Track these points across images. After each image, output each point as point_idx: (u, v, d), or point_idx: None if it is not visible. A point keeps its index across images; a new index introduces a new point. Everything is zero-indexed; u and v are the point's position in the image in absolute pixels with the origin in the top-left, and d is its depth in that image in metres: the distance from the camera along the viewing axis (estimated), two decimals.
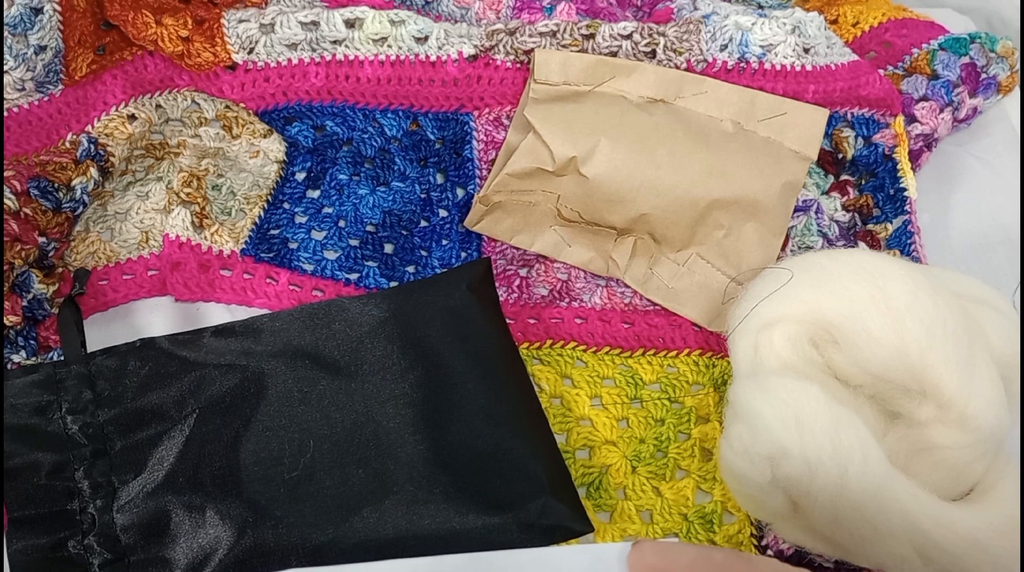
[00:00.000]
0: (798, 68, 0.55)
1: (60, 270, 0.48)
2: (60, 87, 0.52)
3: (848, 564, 0.45)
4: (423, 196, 0.54)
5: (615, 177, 0.51)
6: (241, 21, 0.52)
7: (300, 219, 0.53)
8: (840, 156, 0.57)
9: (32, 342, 0.46)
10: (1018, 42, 0.64)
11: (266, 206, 0.53)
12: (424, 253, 0.53)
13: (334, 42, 0.53)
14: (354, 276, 0.51)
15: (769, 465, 0.41)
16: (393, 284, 0.51)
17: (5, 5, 0.49)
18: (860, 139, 0.58)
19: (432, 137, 0.56)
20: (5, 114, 0.51)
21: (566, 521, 0.43)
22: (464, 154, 0.55)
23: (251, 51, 0.53)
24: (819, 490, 0.39)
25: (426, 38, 0.54)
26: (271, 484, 0.42)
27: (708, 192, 0.51)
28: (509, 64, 0.55)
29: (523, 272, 0.53)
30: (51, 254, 0.48)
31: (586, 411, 0.49)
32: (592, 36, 0.54)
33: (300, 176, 0.54)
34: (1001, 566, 0.40)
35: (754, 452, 0.41)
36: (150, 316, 0.50)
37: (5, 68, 0.50)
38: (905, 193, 0.57)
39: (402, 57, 0.54)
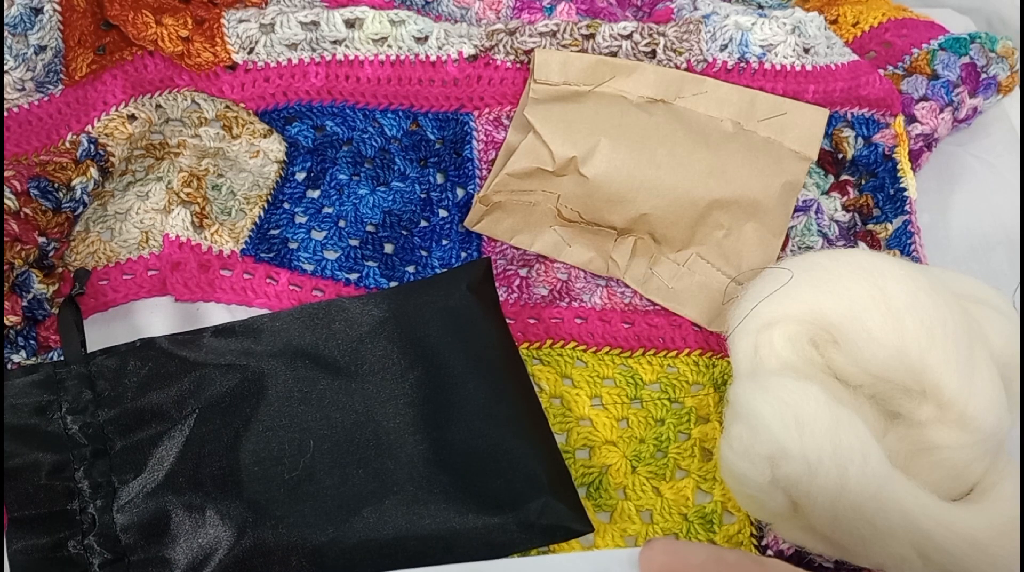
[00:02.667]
0: (798, 68, 0.55)
1: (60, 270, 0.48)
2: (60, 87, 0.52)
3: (848, 564, 0.45)
4: (423, 196, 0.54)
5: (615, 177, 0.51)
6: (241, 21, 0.52)
7: (300, 219, 0.53)
8: (840, 156, 0.57)
9: (32, 342, 0.46)
10: (1018, 42, 0.64)
11: (266, 206, 0.53)
12: (424, 253, 0.53)
13: (334, 42, 0.53)
14: (354, 276, 0.51)
15: (769, 465, 0.41)
16: (393, 284, 0.51)
17: (5, 5, 0.49)
18: (860, 139, 0.58)
19: (432, 137, 0.56)
20: (5, 114, 0.51)
21: (566, 521, 0.43)
22: (464, 154, 0.55)
23: (251, 51, 0.53)
24: (819, 490, 0.39)
25: (426, 38, 0.54)
26: (271, 484, 0.42)
27: (708, 192, 0.51)
28: (509, 64, 0.55)
29: (523, 272, 0.53)
30: (51, 254, 0.48)
31: (586, 411, 0.49)
32: (592, 36, 0.54)
33: (300, 176, 0.54)
34: (1001, 566, 0.40)
35: (754, 452, 0.41)
36: (150, 316, 0.50)
37: (5, 68, 0.50)
38: (905, 193, 0.57)
39: (402, 57, 0.54)
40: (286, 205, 0.53)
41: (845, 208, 0.57)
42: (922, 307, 0.42)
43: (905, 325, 0.42)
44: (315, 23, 0.53)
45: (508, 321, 0.49)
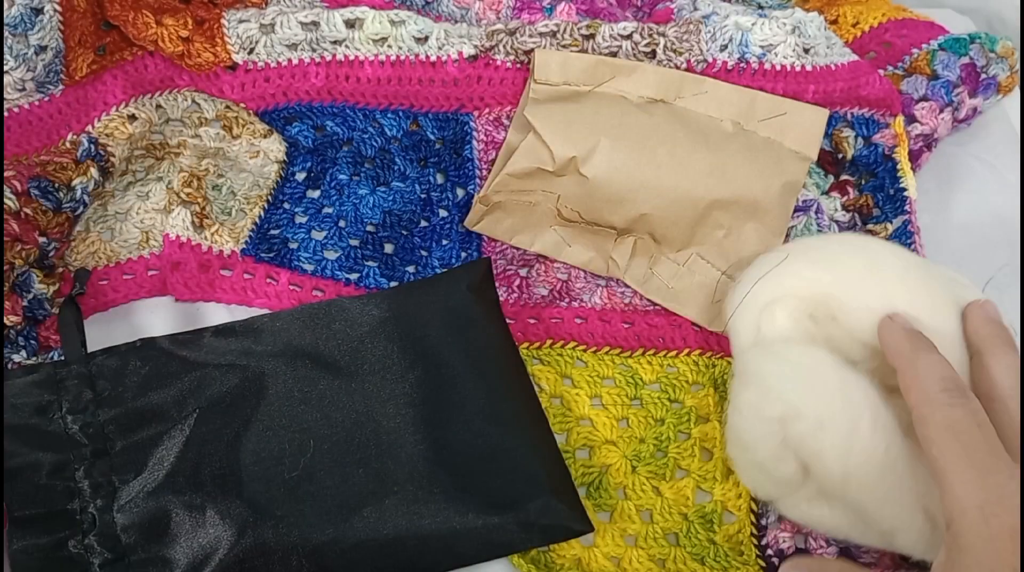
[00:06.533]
0: (798, 68, 0.55)
1: (60, 270, 0.48)
2: (60, 87, 0.52)
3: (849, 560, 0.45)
4: (423, 196, 0.54)
5: (615, 177, 0.51)
6: (241, 21, 0.53)
7: (300, 219, 0.53)
8: (840, 156, 0.57)
9: (32, 342, 0.46)
10: (1018, 42, 0.64)
11: (266, 206, 0.53)
12: (424, 253, 0.53)
13: (334, 42, 0.53)
14: (354, 276, 0.51)
15: (779, 426, 0.40)
16: (393, 284, 0.51)
17: (5, 5, 0.49)
18: (860, 139, 0.58)
19: (432, 137, 0.56)
20: (5, 114, 0.51)
21: (566, 521, 0.43)
22: (464, 154, 0.55)
23: (251, 51, 0.53)
24: (830, 447, 0.39)
25: (426, 38, 0.54)
26: (271, 484, 0.42)
27: (708, 192, 0.51)
28: (509, 64, 0.55)
29: (523, 272, 0.53)
30: (51, 254, 0.48)
31: (586, 411, 0.49)
32: (592, 36, 0.55)
33: (300, 176, 0.54)
34: None
35: (764, 415, 0.41)
36: (150, 316, 0.50)
37: (5, 68, 0.50)
38: (905, 193, 0.57)
39: (402, 57, 0.54)
40: (286, 205, 0.53)
41: (845, 208, 0.57)
42: (912, 279, 0.43)
43: (897, 294, 0.43)
44: (315, 23, 0.53)
45: (508, 321, 0.49)
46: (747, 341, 0.46)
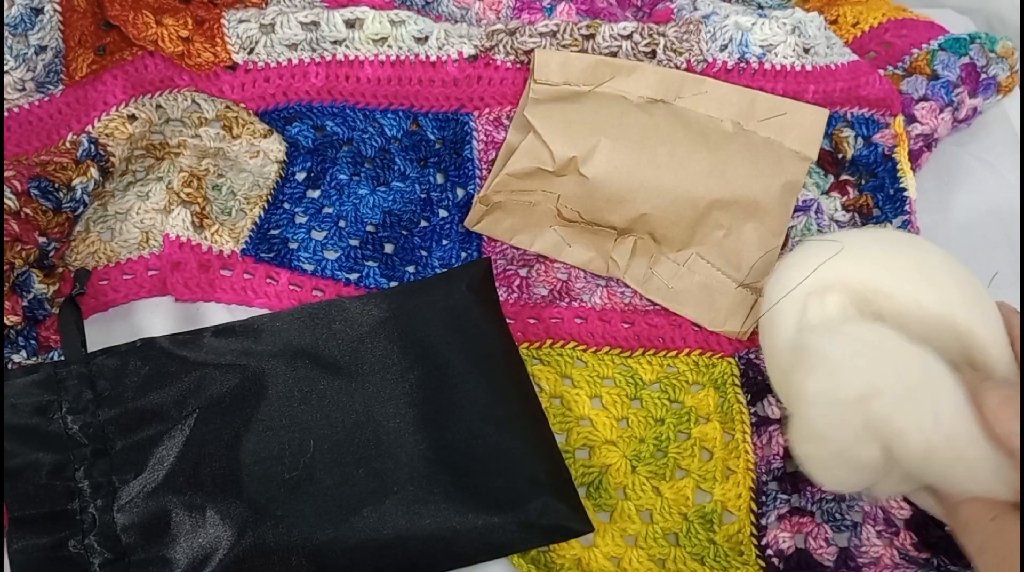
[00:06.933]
0: (798, 68, 0.55)
1: (60, 270, 0.48)
2: (60, 87, 0.52)
3: (849, 563, 0.45)
4: (423, 196, 0.54)
5: (615, 177, 0.51)
6: (241, 21, 0.53)
7: (300, 219, 0.53)
8: (840, 156, 0.57)
9: (32, 342, 0.46)
10: (1018, 42, 0.64)
11: (266, 206, 0.53)
12: (424, 253, 0.53)
13: (334, 42, 0.53)
14: (354, 276, 0.51)
15: (859, 407, 0.38)
16: (393, 284, 0.51)
17: (5, 5, 0.50)
18: (860, 139, 0.58)
19: (432, 137, 0.56)
20: (5, 114, 0.52)
21: (566, 521, 0.43)
22: (464, 154, 0.55)
23: (251, 51, 0.53)
24: (914, 423, 0.37)
25: (426, 38, 0.54)
26: (271, 484, 0.42)
27: (708, 192, 0.51)
28: (509, 64, 0.55)
29: (523, 272, 0.53)
30: (51, 254, 0.48)
31: (586, 411, 0.49)
32: (592, 36, 0.55)
33: (300, 176, 0.54)
34: None
35: (841, 398, 0.38)
36: (150, 316, 0.50)
37: (5, 68, 0.50)
38: (905, 193, 0.57)
39: (402, 57, 0.54)
40: (286, 205, 0.53)
41: (845, 208, 0.57)
42: (960, 276, 0.42)
43: (949, 291, 0.42)
44: (315, 23, 0.53)
45: (508, 321, 0.49)
46: (791, 327, 0.44)
